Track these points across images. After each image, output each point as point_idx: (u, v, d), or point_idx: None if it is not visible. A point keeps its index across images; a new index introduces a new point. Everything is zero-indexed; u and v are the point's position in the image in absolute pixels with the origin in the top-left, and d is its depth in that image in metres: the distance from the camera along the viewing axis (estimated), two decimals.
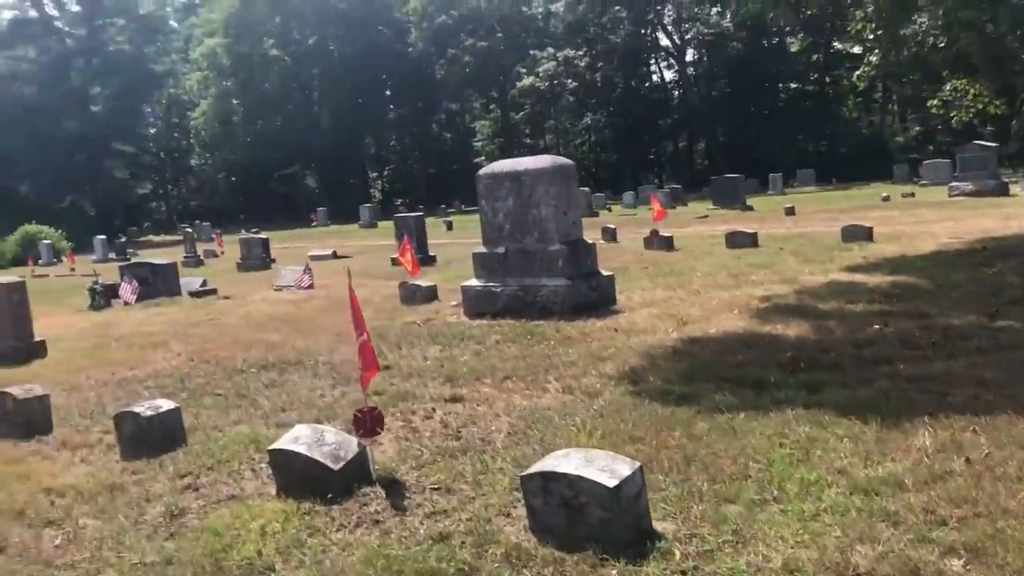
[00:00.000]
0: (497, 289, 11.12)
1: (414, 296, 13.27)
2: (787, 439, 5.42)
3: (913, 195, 32.43)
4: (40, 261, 42.48)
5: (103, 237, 44.16)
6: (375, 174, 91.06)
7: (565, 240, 10.87)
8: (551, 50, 62.09)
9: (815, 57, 66.67)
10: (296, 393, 8.37)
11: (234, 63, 72.64)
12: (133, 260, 18.80)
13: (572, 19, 61.46)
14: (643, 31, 66.91)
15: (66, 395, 9.33)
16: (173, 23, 78.55)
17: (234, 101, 74.40)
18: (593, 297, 10.85)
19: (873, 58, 19.06)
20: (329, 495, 5.19)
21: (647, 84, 74.86)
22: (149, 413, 6.59)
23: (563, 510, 4.37)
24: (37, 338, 12.37)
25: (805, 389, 6.53)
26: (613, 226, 23.88)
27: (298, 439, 5.46)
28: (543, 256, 10.82)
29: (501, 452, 5.77)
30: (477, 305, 11.29)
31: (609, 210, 43.53)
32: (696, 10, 63.22)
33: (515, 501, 4.91)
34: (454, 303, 12.61)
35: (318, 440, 5.41)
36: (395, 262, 21.92)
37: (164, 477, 6.03)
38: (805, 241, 17.10)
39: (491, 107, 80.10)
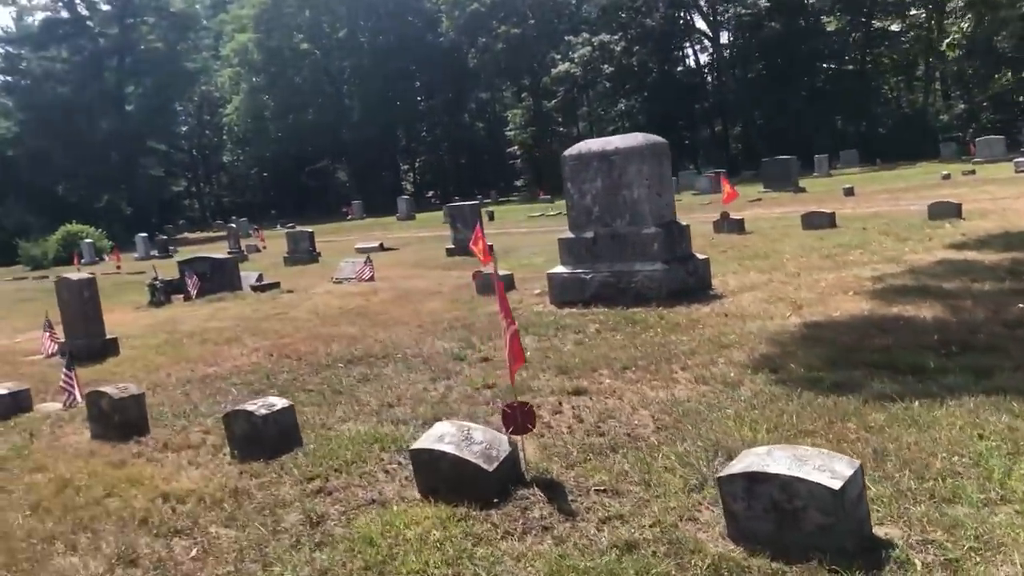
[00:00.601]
0: (587, 276, 10.62)
1: (490, 286, 12.78)
2: (985, 430, 4.90)
3: (974, 172, 31.47)
4: (83, 260, 42.57)
5: (144, 235, 44.14)
6: (406, 166, 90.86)
7: (659, 222, 10.35)
8: (586, 35, 61.18)
9: (853, 36, 65.25)
10: (396, 388, 7.95)
11: (265, 58, 72.59)
12: (191, 256, 18.48)
13: (606, 2, 60.57)
14: (678, 14, 65.87)
15: (151, 394, 8.95)
16: (204, 20, 78.35)
17: (265, 97, 74.39)
18: (690, 282, 10.33)
19: (964, 24, 18.16)
20: (483, 498, 4.74)
21: (680, 68, 73.80)
22: (263, 412, 6.18)
23: (772, 515, 3.89)
24: (109, 335, 12.05)
25: (972, 374, 5.99)
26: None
27: (443, 438, 5.02)
28: (636, 240, 10.31)
29: (659, 449, 5.29)
30: (565, 293, 10.80)
31: None
32: None
33: (698, 504, 4.45)
34: (537, 291, 12.14)
35: (466, 438, 4.96)
36: (452, 252, 21.54)
37: (290, 480, 5.61)
38: (887, 220, 16.43)
39: (523, 95, 79.35)
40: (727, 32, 67.56)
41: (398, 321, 11.79)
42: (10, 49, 71.99)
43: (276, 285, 16.71)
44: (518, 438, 5.14)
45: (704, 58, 73.80)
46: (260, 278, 18.40)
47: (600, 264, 10.56)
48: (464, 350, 9.29)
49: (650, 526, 4.27)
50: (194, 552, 4.74)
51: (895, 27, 66.06)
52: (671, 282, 10.09)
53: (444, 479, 4.91)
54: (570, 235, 10.98)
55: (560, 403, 6.62)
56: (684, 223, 10.89)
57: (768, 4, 60.66)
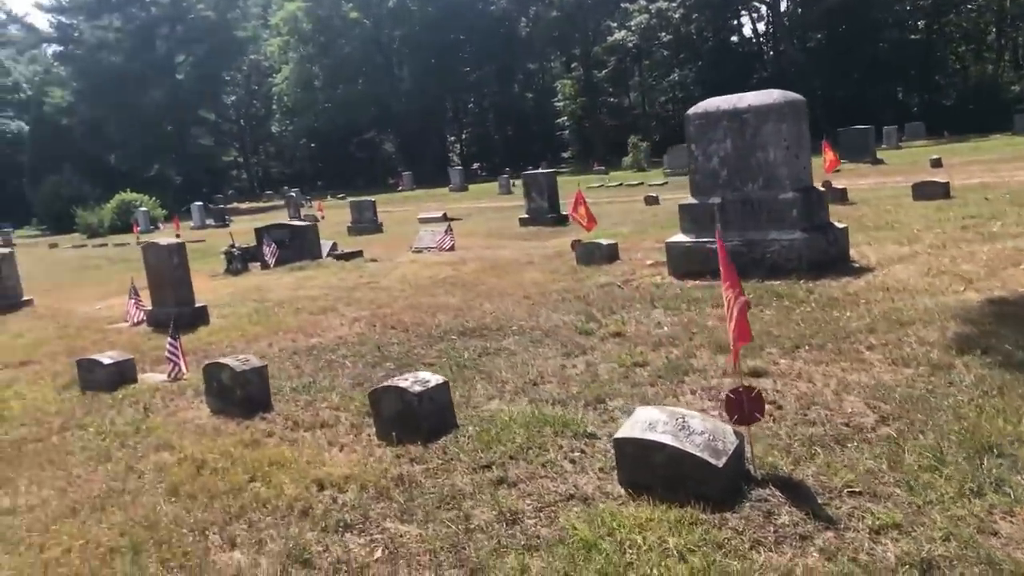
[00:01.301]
0: (712, 245, 9.83)
1: (593, 255, 12.08)
2: None
3: None
4: (139, 229, 42.57)
5: (200, 204, 43.99)
6: (452, 137, 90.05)
7: (797, 187, 9.53)
8: (643, 2, 59.58)
9: (920, 3, 62.96)
10: (529, 364, 7.28)
11: (314, 27, 71.98)
12: (269, 224, 17.97)
13: None
14: None
15: None
16: None
17: (314, 67, 73.75)
18: (832, 253, 9.51)
19: None
20: (708, 498, 4.05)
21: (736, 38, 71.99)
22: (418, 389, 5.54)
23: None
24: (199, 303, 11.54)
25: None
26: None
27: (653, 426, 4.33)
28: (772, 206, 9.51)
29: (900, 443, 4.55)
30: (685, 263, 10.05)
31: None
32: None
33: (988, 512, 3.71)
34: (649, 262, 11.39)
35: (683, 427, 4.26)
36: (525, 222, 20.78)
37: (461, 468, 4.97)
38: (1006, 191, 15.37)
39: (573, 65, 78.00)
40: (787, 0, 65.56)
41: (500, 292, 11.12)
42: (63, 19, 72.30)
43: (359, 254, 16.13)
44: (743, 429, 4.43)
45: (761, 27, 71.89)
46: (335, 247, 17.84)
47: (728, 232, 9.76)
48: (587, 324, 8.60)
49: (942, 539, 3.55)
50: (378, 553, 4.11)
51: None
52: (811, 253, 9.28)
53: (658, 474, 4.23)
54: (693, 201, 10.20)
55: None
56: (821, 188, 10.03)
57: None
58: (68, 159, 60.95)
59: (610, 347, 7.62)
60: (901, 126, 53.57)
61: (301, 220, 33.19)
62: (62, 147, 64.23)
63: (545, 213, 20.37)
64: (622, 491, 4.38)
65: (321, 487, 4.99)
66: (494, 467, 4.90)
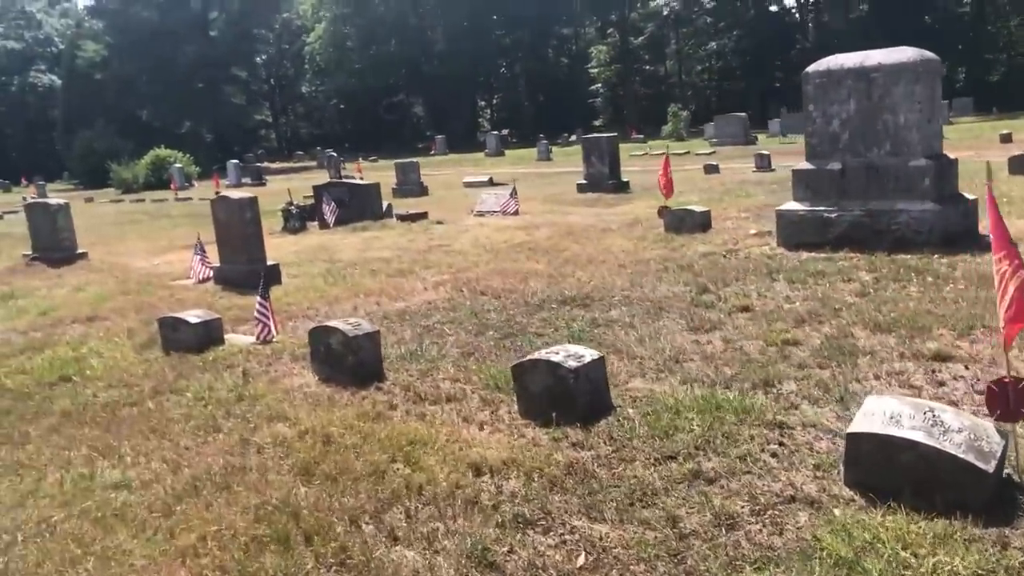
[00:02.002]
0: (831, 214, 9.14)
1: (684, 223, 11.39)
2: None
3: None
4: (176, 185, 42.14)
5: (236, 161, 43.47)
6: (483, 103, 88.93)
7: (929, 153, 8.79)
8: None
9: None
10: (655, 338, 6.67)
11: None
12: (331, 181, 17.37)
13: None
14: None
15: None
16: None
17: (346, 29, 72.70)
18: (964, 226, 8.79)
19: None
20: (970, 508, 3.42)
21: (775, 8, 70.34)
22: (573, 364, 4.92)
23: None
24: (270, 261, 10.97)
25: None
26: None
27: (897, 419, 3.69)
28: (900, 173, 8.78)
29: None
30: (799, 233, 9.36)
31: (755, 140, 40.34)
32: None
33: None
34: (753, 231, 10.70)
35: (934, 423, 3.62)
36: (583, 188, 20.02)
37: (641, 457, 4.35)
38: None
39: (608, 31, 76.57)
40: None
41: (588, 259, 10.47)
42: None
43: (424, 215, 15.48)
44: (1009, 426, 3.78)
45: None
46: (389, 208, 17.22)
47: (849, 201, 9.06)
48: (700, 295, 7.97)
49: None
50: (580, 560, 3.51)
51: None
52: (944, 225, 8.56)
53: (905, 477, 3.59)
54: (808, 166, 9.47)
55: (934, 373, 5.24)
56: (953, 156, 9.28)
57: None
58: (101, 114, 60.56)
59: (741, 322, 6.97)
60: (949, 102, 52.17)
61: (342, 180, 32.65)
62: (94, 102, 63.85)
63: (606, 179, 19.63)
64: (852, 494, 3.75)
65: (478, 472, 4.40)
66: (680, 458, 4.28)
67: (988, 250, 8.33)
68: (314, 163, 59.95)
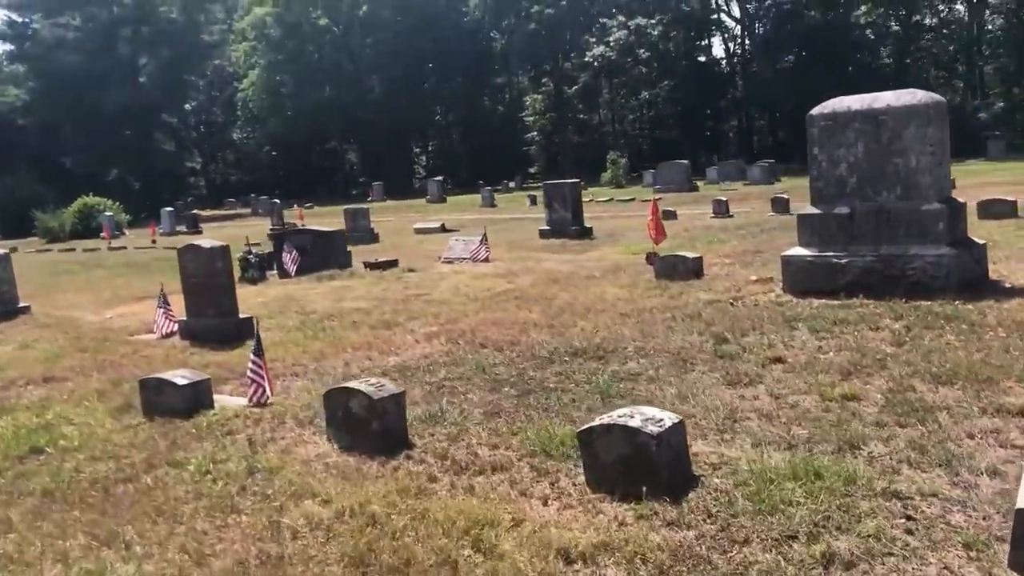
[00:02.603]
0: (840, 260, 8.88)
1: (676, 269, 11.04)
2: None
3: None
4: (103, 235, 40.59)
5: (170, 209, 42.15)
6: (418, 149, 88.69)
7: (941, 197, 8.62)
8: (621, 18, 59.10)
9: (895, 27, 63.64)
10: (696, 394, 6.25)
11: (283, 33, 70.27)
12: (293, 228, 16.64)
13: None
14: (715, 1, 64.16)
15: None
16: None
17: (281, 75, 71.66)
18: (978, 271, 8.61)
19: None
20: None
21: (704, 58, 71.90)
22: (653, 429, 4.41)
23: None
24: (243, 315, 10.23)
25: None
26: (786, 196, 21.60)
27: None
28: (913, 218, 8.57)
29: None
30: (807, 280, 9.07)
31: (697, 187, 40.57)
32: None
33: None
34: (754, 278, 10.39)
35: None
36: (546, 234, 19.65)
37: (755, 537, 3.85)
38: None
39: (543, 80, 77.29)
40: (760, 21, 65.62)
41: (584, 308, 10.01)
42: (15, 17, 69.45)
43: (394, 263, 14.83)
44: None
45: (733, 47, 72.04)
46: (349, 255, 16.53)
47: (859, 246, 8.82)
48: (722, 345, 7.58)
49: None
50: None
51: (933, 21, 64.63)
52: (961, 270, 8.36)
53: None
54: (814, 210, 9.22)
55: None
56: (962, 200, 9.13)
57: None
58: (23, 160, 58.37)
59: (780, 374, 6.59)
60: None
61: (284, 227, 31.74)
62: (16, 148, 61.54)
63: (569, 225, 19.32)
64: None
65: (567, 559, 3.84)
66: (803, 537, 3.79)
67: (1010, 295, 8.18)
68: (248, 210, 58.70)
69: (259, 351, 7.02)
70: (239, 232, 38.19)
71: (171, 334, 10.62)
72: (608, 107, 78.47)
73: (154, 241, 31.99)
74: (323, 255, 14.80)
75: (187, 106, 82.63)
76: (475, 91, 78.21)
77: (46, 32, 66.53)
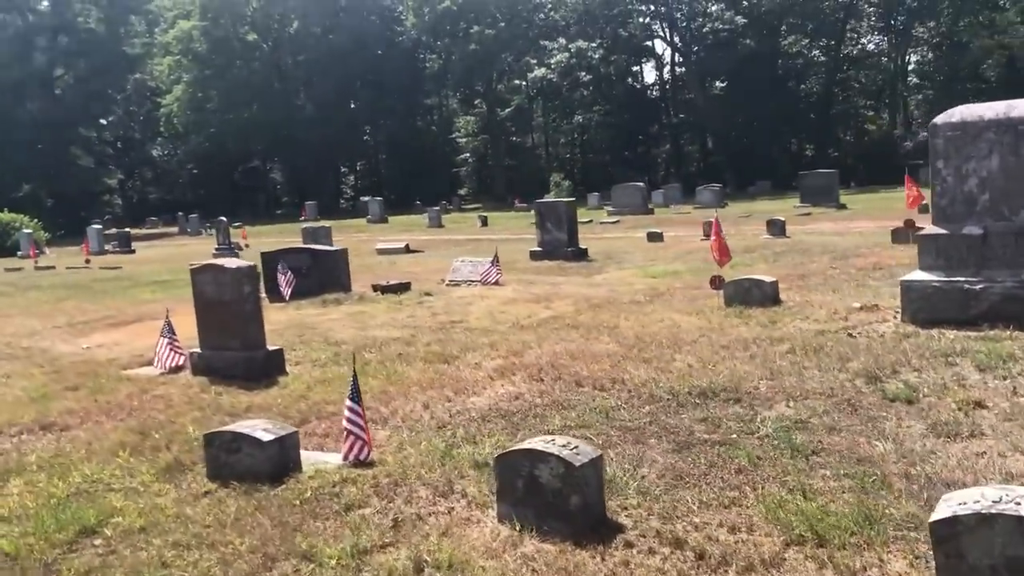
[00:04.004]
0: (974, 286, 7.93)
1: (750, 295, 9.97)
2: None
3: None
4: (19, 253, 37.70)
5: (98, 226, 39.48)
6: (345, 169, 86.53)
7: None
8: (562, 40, 58.62)
9: (823, 57, 64.97)
10: (912, 449, 5.15)
11: (210, 48, 67.64)
12: (286, 247, 15.05)
13: (582, 8, 58.52)
14: (651, 26, 64.41)
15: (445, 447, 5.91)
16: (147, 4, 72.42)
17: (200, 94, 68.73)
18: None
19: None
20: None
21: (636, 84, 72.12)
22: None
23: None
24: (271, 347, 8.72)
25: None
26: (782, 218, 20.89)
27: None
28: None
29: None
30: (933, 308, 8.10)
31: (652, 210, 39.94)
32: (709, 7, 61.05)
33: None
34: (857, 305, 9.37)
35: None
36: (538, 255, 18.44)
37: None
38: None
39: (476, 102, 76.28)
40: (695, 47, 66.09)
41: (667, 339, 8.77)
42: None
43: (407, 286, 13.35)
44: None
45: (667, 72, 72.48)
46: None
47: (995, 270, 7.89)
48: (884, 387, 6.51)
49: None
50: None
51: (859, 52, 66.26)
52: None
53: None
54: (938, 231, 8.26)
55: None
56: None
57: (745, 21, 59.68)
58: None
59: (995, 422, 5.56)
60: (793, 175, 54.09)
61: (231, 247, 29.74)
62: None
63: (564, 246, 18.18)
64: None
65: None
66: None
67: None
68: (174, 229, 55.93)
69: (356, 395, 5.63)
70: (177, 252, 35.95)
71: (178, 368, 9.03)
72: (542, 130, 78.11)
73: (88, 260, 29.57)
74: (321, 277, 13.27)
75: (103, 120, 78.80)
76: (406, 111, 76.72)
77: None
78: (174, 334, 9.17)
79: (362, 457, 5.56)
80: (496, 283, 14.10)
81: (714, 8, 61.65)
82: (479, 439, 5.99)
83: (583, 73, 58.72)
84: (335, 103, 69.94)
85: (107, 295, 18.75)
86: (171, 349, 9.11)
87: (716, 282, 10.31)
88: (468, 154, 77.40)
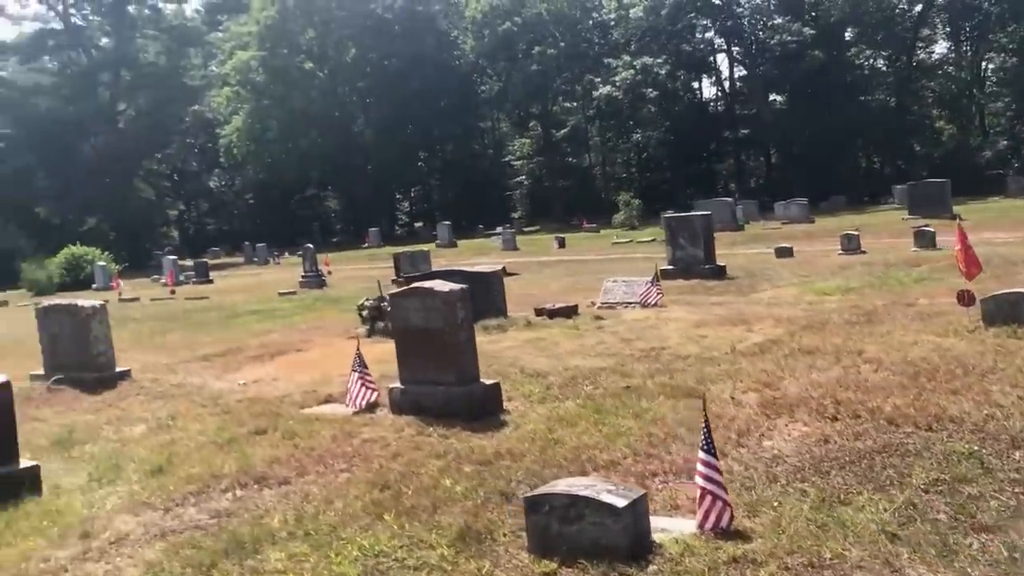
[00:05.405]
0: None
1: (1018, 310, 8.61)
2: None
3: None
4: (94, 286, 37.45)
5: (173, 257, 39.09)
6: (399, 195, 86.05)
7: None
8: (626, 57, 57.48)
9: (893, 67, 63.12)
10: None
11: (268, 78, 67.68)
12: (441, 268, 14.02)
13: (646, 25, 57.48)
14: (710, 37, 63.27)
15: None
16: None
17: (258, 125, 68.65)
18: None
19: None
20: None
21: (692, 97, 70.67)
22: None
23: None
24: (487, 380, 7.59)
25: None
26: (930, 228, 19.50)
27: None
28: None
29: None
30: None
31: (743, 226, 38.16)
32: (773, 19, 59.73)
33: None
34: None
35: None
36: (670, 274, 17.20)
37: None
38: None
39: (531, 124, 75.35)
40: (759, 60, 64.62)
41: (947, 370, 7.39)
42: None
43: (574, 309, 12.19)
44: None
45: (727, 87, 71.08)
46: None
47: None
48: None
49: None
50: None
51: (931, 61, 64.35)
52: None
53: None
54: None
55: None
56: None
57: (813, 32, 58.13)
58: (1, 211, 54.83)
59: None
60: (890, 190, 52.23)
61: (318, 275, 28.82)
62: None
63: (700, 263, 16.92)
64: None
65: None
66: None
67: None
68: (239, 259, 55.73)
69: (710, 446, 4.45)
70: (254, 281, 35.28)
71: (373, 406, 7.94)
72: (597, 150, 76.94)
73: (172, 292, 28.94)
74: (476, 301, 12.16)
75: (157, 154, 79.29)
76: (461, 135, 76.13)
77: (21, 78, 63.24)
78: (365, 367, 8.09)
79: (723, 524, 4.38)
80: (656, 304, 12.89)
81: (779, 20, 60.23)
82: (846, 497, 4.78)
83: (649, 89, 57.44)
84: (392, 128, 69.45)
85: (211, 326, 17.93)
86: (363, 385, 8.04)
87: (965, 297, 8.99)
88: (524, 176, 76.40)
